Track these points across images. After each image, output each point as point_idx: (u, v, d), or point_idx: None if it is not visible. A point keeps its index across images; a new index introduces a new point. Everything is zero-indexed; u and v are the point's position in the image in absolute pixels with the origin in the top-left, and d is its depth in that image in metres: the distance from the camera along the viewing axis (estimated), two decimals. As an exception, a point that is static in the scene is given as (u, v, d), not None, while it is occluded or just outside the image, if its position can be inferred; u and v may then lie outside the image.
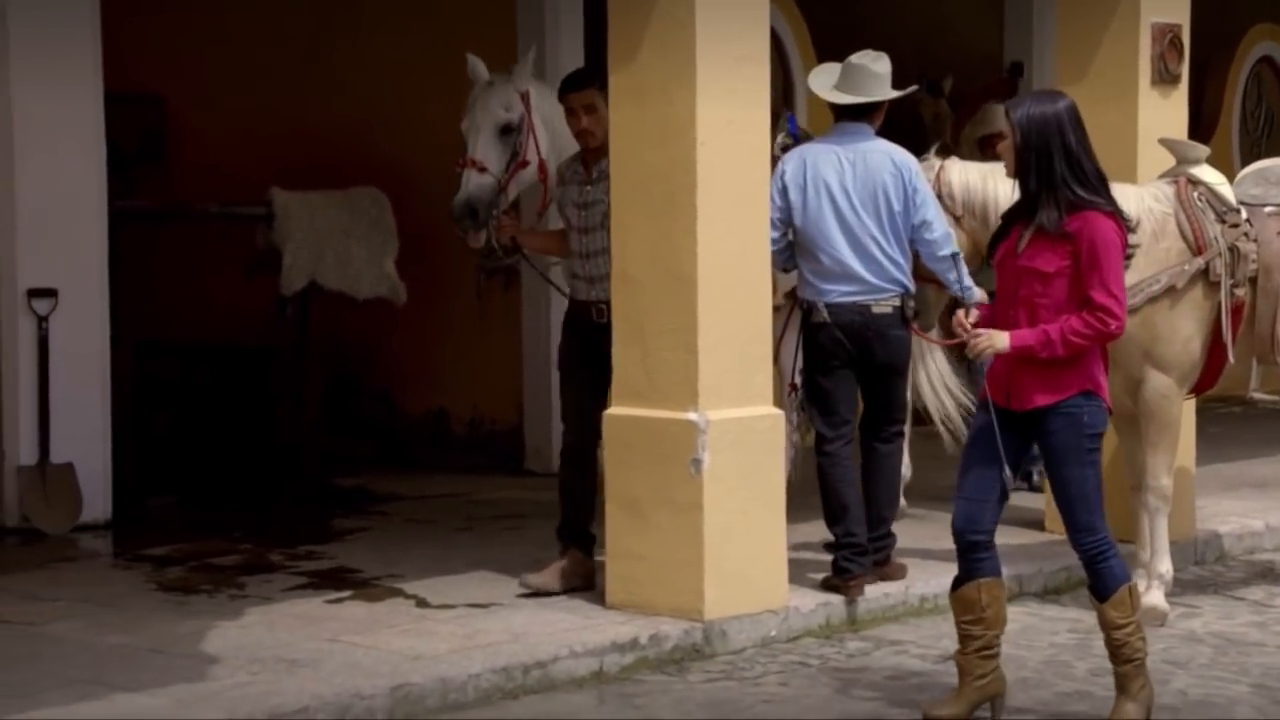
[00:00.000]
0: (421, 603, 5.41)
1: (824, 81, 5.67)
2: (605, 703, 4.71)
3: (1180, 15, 6.61)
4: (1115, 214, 4.44)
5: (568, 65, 8.28)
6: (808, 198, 5.61)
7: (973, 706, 4.54)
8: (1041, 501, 6.86)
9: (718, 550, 5.22)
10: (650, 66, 5.24)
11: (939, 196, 5.82)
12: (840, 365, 5.64)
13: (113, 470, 6.81)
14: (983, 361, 4.78)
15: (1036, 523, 6.74)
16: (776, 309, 5.64)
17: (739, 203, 5.28)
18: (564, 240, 5.82)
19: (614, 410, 5.41)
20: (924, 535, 6.31)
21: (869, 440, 5.79)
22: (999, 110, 6.90)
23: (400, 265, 7.91)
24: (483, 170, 5.70)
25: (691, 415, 5.20)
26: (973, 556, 4.52)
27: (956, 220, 5.88)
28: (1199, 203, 5.65)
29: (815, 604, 5.47)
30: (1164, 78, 6.52)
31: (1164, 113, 6.51)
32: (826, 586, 5.59)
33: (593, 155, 5.61)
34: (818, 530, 5.86)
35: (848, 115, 5.68)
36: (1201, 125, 10.63)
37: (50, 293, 6.65)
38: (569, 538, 5.58)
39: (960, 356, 6.29)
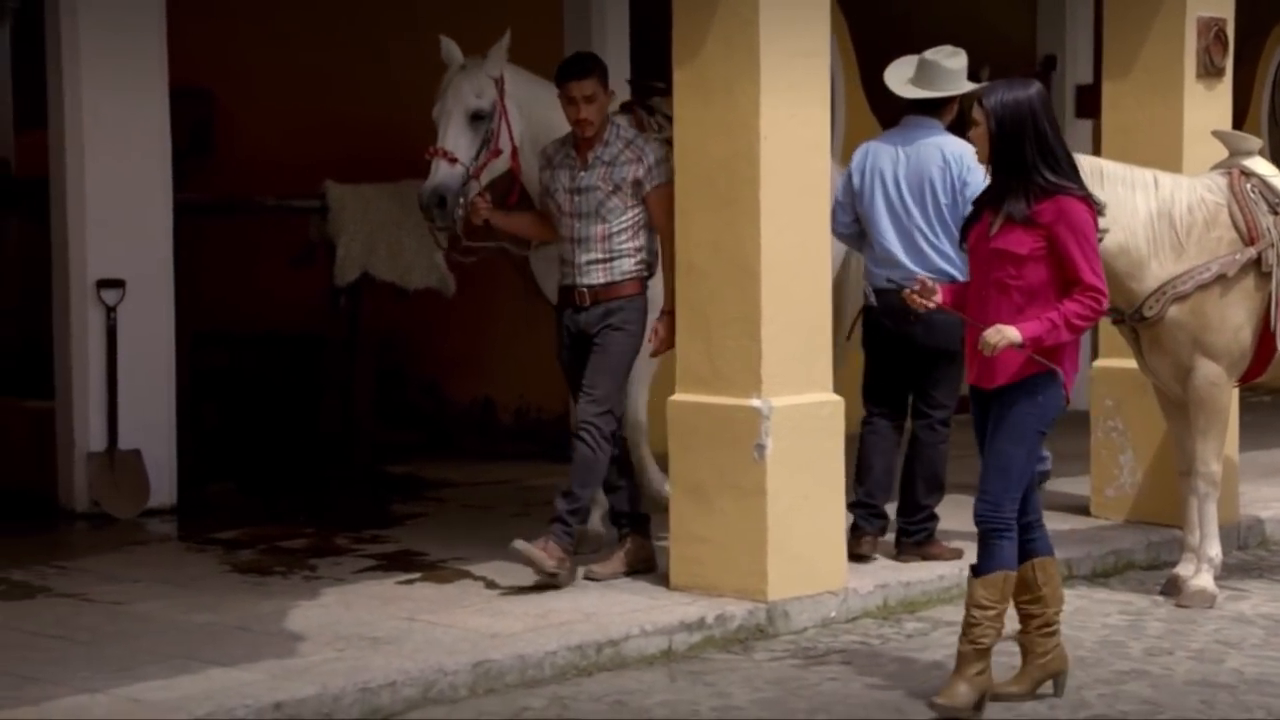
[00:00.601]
0: (490, 584, 5.57)
1: (898, 76, 5.85)
2: (676, 680, 4.86)
3: (1224, 9, 6.73)
4: (1086, 197, 4.51)
5: (615, 63, 8.45)
6: (864, 186, 5.90)
7: (1036, 684, 4.67)
8: (1086, 487, 7.01)
9: (780, 533, 5.37)
10: (714, 62, 5.38)
11: None
12: (885, 348, 5.89)
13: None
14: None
15: (1083, 508, 6.89)
16: None
17: (800, 194, 5.42)
18: (539, 224, 5.83)
19: (678, 397, 5.56)
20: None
21: (915, 425, 5.98)
22: None
23: (448, 256, 8.06)
24: (453, 160, 5.61)
25: (755, 402, 5.34)
26: (1022, 539, 4.59)
27: None
28: (1252, 194, 5.77)
29: (873, 585, 5.62)
30: (1209, 71, 6.64)
31: (1209, 106, 6.64)
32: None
33: (587, 142, 5.60)
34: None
35: (915, 109, 5.91)
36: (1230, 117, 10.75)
37: (118, 283, 6.83)
38: (625, 523, 5.70)
39: None
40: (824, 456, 5.48)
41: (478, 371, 8.86)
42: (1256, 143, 6.02)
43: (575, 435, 5.60)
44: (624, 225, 5.58)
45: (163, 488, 6.90)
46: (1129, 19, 6.75)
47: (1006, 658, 4.84)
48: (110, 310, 6.82)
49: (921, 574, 5.80)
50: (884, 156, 5.85)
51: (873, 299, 5.87)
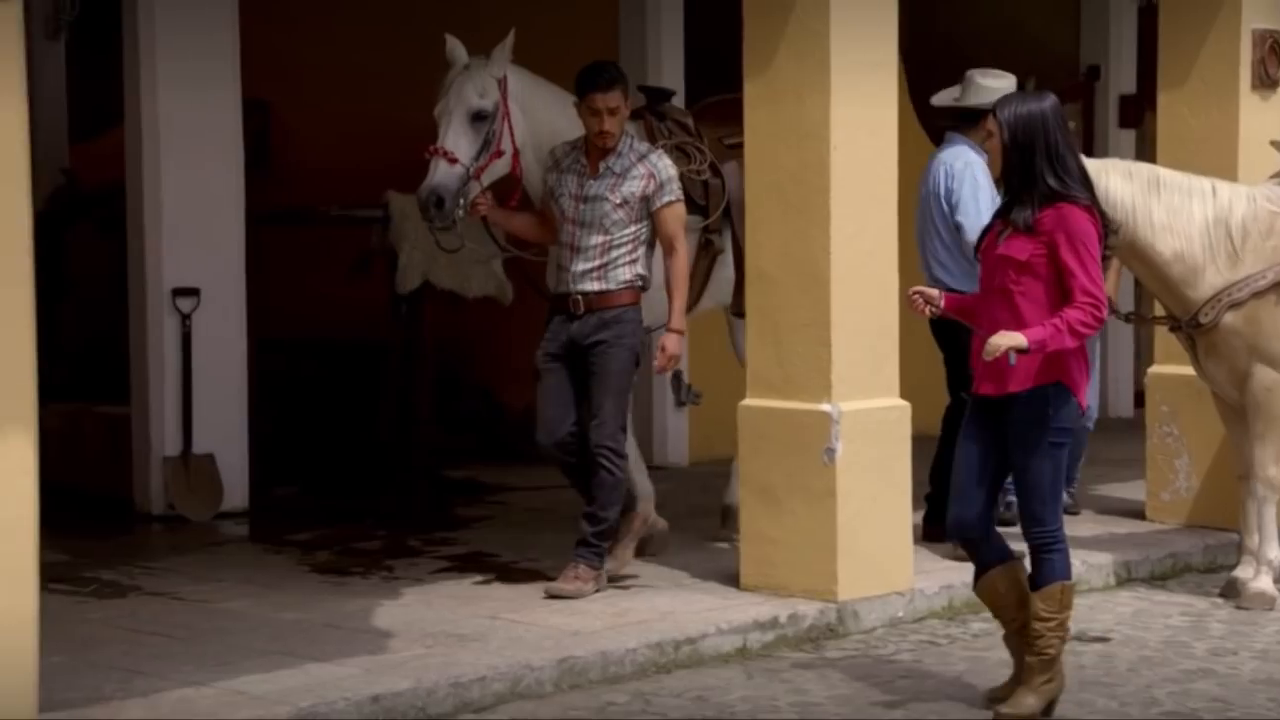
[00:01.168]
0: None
1: (946, 93, 6.08)
2: (753, 677, 4.99)
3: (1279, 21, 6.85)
4: (1092, 207, 4.55)
5: (669, 69, 8.63)
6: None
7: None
8: (1142, 492, 7.12)
9: (849, 535, 5.49)
10: (785, 73, 5.51)
11: None
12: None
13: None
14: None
15: (1138, 512, 6.99)
16: None
17: (869, 203, 5.55)
18: (539, 225, 5.77)
19: (748, 402, 5.69)
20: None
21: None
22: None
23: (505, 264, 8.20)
24: (452, 160, 5.51)
25: (825, 406, 5.47)
26: (981, 550, 4.63)
27: None
28: (1308, 204, 5.88)
29: (939, 586, 5.74)
30: (1264, 82, 6.75)
31: (1264, 116, 6.75)
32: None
33: (600, 151, 5.56)
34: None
35: (948, 125, 6.16)
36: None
37: (193, 292, 7.00)
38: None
39: None
40: (892, 460, 5.60)
41: (531, 379, 8.99)
42: (1314, 152, 6.14)
43: (592, 460, 5.55)
44: (625, 239, 5.54)
45: (235, 491, 7.07)
46: (1183, 31, 6.87)
47: (1073, 657, 4.95)
48: (185, 318, 6.99)
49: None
50: (925, 172, 6.20)
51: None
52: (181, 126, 6.92)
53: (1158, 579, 6.30)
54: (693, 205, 5.90)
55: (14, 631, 3.82)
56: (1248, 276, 5.82)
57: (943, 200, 6.09)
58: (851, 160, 5.48)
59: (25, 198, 3.85)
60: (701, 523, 6.60)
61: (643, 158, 5.58)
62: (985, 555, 4.65)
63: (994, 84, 6.11)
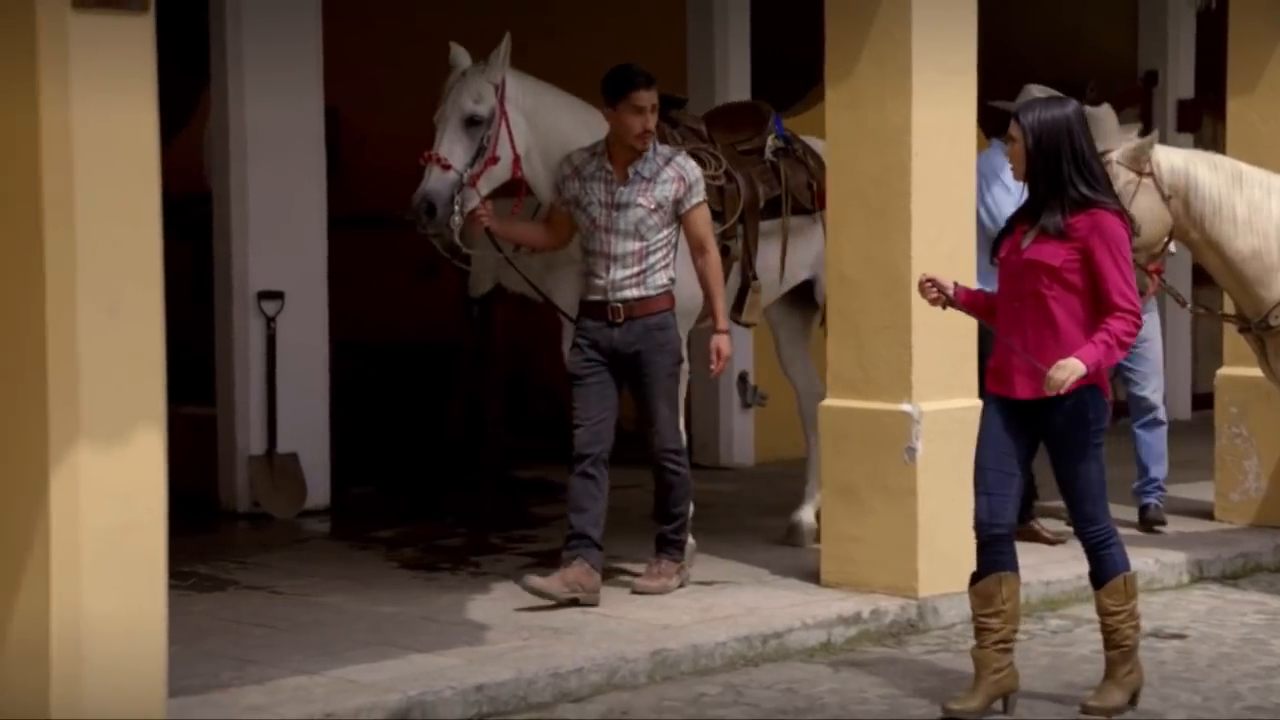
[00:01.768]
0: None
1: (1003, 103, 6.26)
2: (839, 671, 5.11)
3: (1349, 26, 6.92)
4: (1121, 212, 4.57)
5: (736, 76, 8.75)
6: None
7: (990, 700, 4.62)
8: (1208, 492, 7.20)
9: (929, 533, 5.61)
10: (867, 79, 5.64)
11: (1153, 177, 6.00)
12: None
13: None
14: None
15: (1206, 513, 7.07)
16: None
17: (949, 207, 5.67)
18: (542, 233, 5.73)
19: (830, 402, 5.81)
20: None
21: None
22: (1094, 120, 7.30)
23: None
24: (446, 166, 5.47)
25: (906, 407, 5.59)
26: (994, 550, 4.65)
27: (1165, 199, 6.06)
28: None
29: (1016, 584, 5.85)
30: (1334, 86, 6.83)
31: (1334, 120, 6.83)
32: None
33: (626, 156, 5.52)
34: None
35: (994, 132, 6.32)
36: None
37: (278, 295, 7.18)
38: (580, 547, 5.47)
39: None
40: (970, 459, 5.69)
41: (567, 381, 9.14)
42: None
43: (659, 466, 5.67)
44: (660, 243, 5.55)
45: (317, 490, 7.25)
46: (1252, 37, 6.95)
47: (1151, 653, 5.04)
48: (270, 320, 7.17)
49: (1061, 573, 6.02)
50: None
51: None
52: (266, 133, 7.10)
53: (1229, 578, 6.38)
54: (710, 212, 5.85)
55: (146, 632, 3.98)
56: None
57: (980, 206, 6.13)
58: (932, 165, 5.59)
59: (156, 201, 4.02)
60: (772, 522, 6.73)
61: (669, 160, 5.60)
62: (999, 557, 4.63)
63: (1041, 94, 6.19)
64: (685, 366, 5.86)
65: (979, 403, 5.84)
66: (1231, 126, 7.05)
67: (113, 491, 3.91)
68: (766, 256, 6.18)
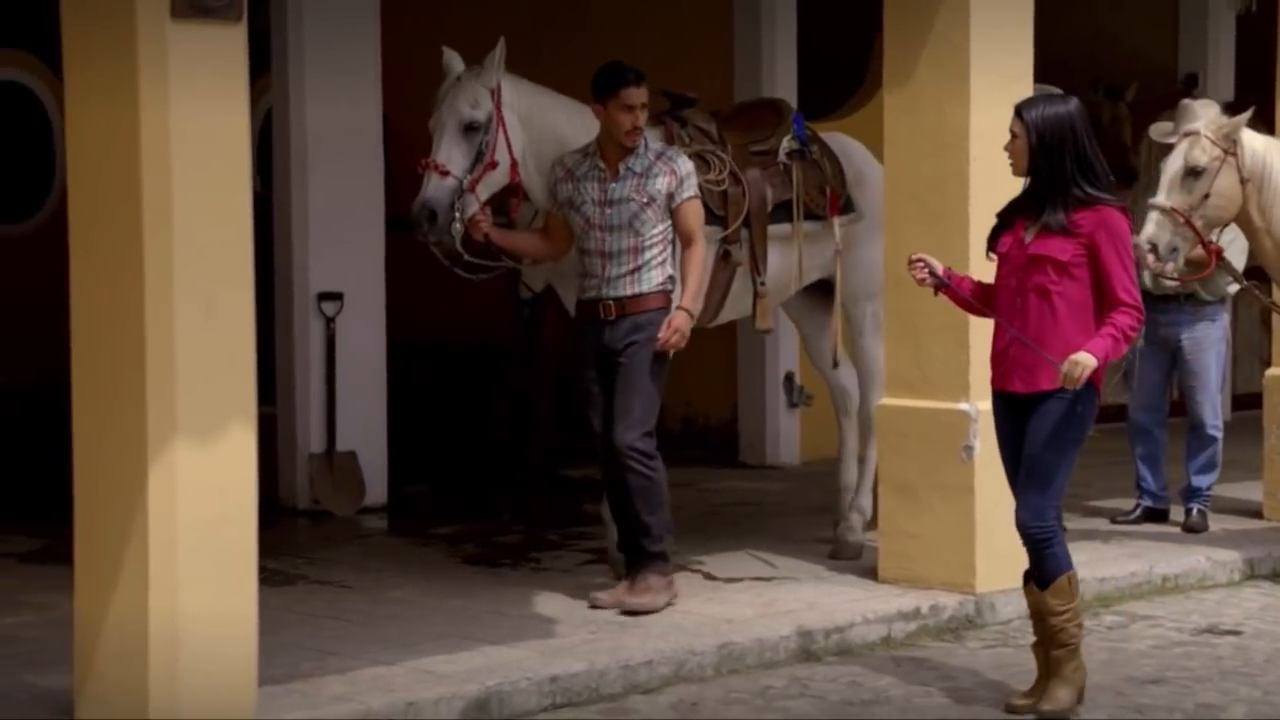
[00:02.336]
0: (709, 576, 5.94)
1: None
2: (901, 665, 5.20)
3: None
4: (1124, 209, 4.58)
5: (783, 79, 8.84)
6: None
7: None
8: (1255, 492, 7.27)
9: (986, 529, 5.69)
10: (925, 85, 5.73)
11: (1235, 157, 6.06)
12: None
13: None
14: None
15: (1255, 512, 7.14)
16: None
17: (1006, 210, 5.75)
18: (540, 242, 5.67)
19: (887, 401, 5.91)
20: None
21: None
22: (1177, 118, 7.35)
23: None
24: (444, 173, 5.41)
25: (963, 406, 5.67)
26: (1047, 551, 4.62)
27: (1243, 182, 6.10)
28: None
29: (1071, 581, 5.93)
30: (1383, 90, 6.89)
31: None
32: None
33: (618, 153, 5.46)
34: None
35: None
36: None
37: (337, 296, 7.30)
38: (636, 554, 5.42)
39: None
40: (1026, 457, 5.80)
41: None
42: None
43: (621, 465, 5.42)
44: (655, 239, 5.47)
45: (375, 487, 7.37)
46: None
47: (1210, 649, 5.11)
48: (329, 321, 7.30)
49: (1114, 570, 6.11)
50: None
51: None
52: (328, 134, 7.22)
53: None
54: (711, 216, 5.82)
55: (238, 621, 4.11)
56: None
57: None
58: (989, 169, 5.65)
59: (248, 204, 4.14)
60: (822, 519, 6.81)
61: (660, 155, 5.54)
62: (1054, 563, 4.59)
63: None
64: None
65: (1038, 403, 6.01)
66: (1281, 128, 7.12)
67: (207, 486, 4.03)
68: (776, 261, 6.06)
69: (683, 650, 4.97)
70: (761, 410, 8.80)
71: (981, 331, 5.76)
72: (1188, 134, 6.14)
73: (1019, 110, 4.61)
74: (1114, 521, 6.98)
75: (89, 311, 4.11)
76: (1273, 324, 7.56)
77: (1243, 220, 6.15)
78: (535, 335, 8.59)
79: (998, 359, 4.63)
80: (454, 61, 5.71)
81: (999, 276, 4.67)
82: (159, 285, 3.97)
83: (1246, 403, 9.43)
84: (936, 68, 5.70)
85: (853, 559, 6.12)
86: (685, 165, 5.57)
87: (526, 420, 8.62)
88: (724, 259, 5.93)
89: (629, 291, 5.46)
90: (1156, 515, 6.99)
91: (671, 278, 5.53)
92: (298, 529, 7.09)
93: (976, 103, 5.63)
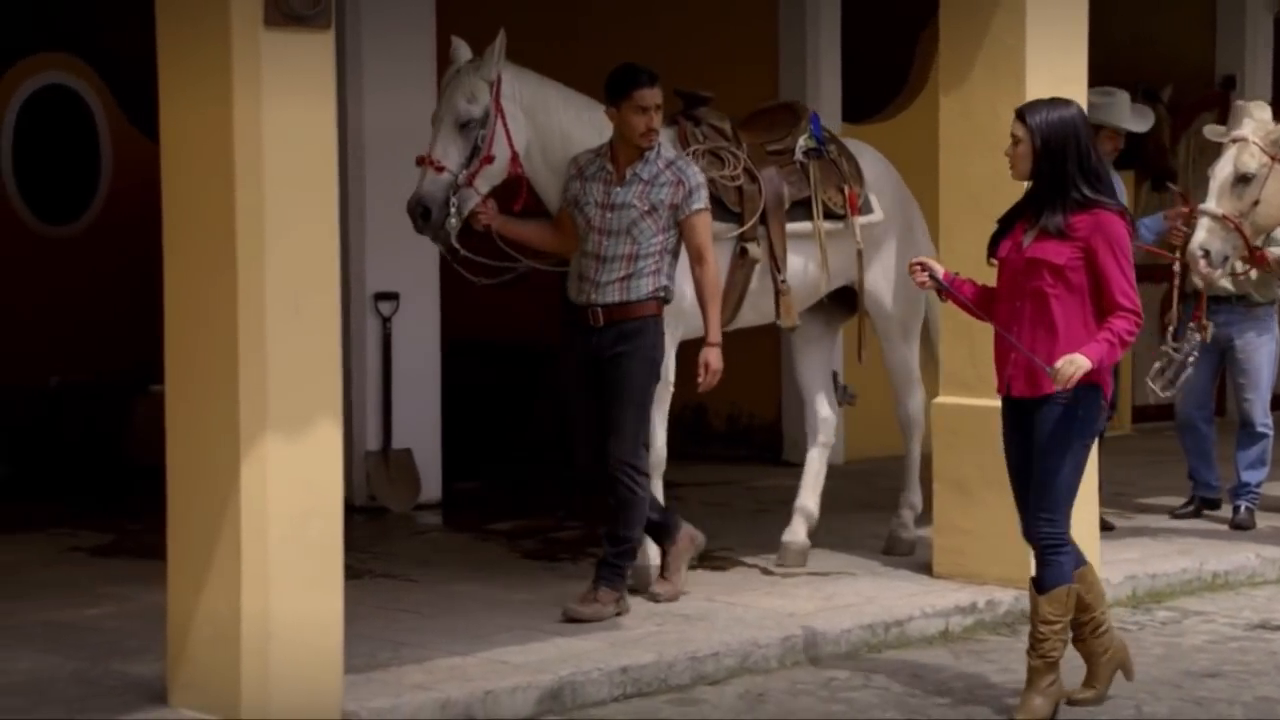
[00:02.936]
0: (766, 571, 6.05)
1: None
2: (960, 658, 5.30)
3: None
4: (1122, 212, 4.57)
5: (827, 90, 8.92)
6: None
7: (1109, 679, 4.72)
8: (1303, 490, 7.36)
9: (1041, 525, 5.78)
10: (979, 88, 5.82)
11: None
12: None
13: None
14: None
15: (1303, 509, 7.24)
16: None
17: (1060, 211, 5.84)
18: (548, 233, 5.58)
19: (942, 399, 6.00)
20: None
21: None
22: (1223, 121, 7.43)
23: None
24: (440, 169, 5.33)
25: (1018, 403, 5.77)
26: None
27: None
28: None
29: (1123, 577, 6.03)
30: None
31: None
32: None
33: (629, 156, 5.37)
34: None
35: None
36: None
37: (393, 296, 7.42)
38: (660, 537, 5.46)
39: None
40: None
41: (690, 379, 9.33)
42: None
43: (611, 477, 5.34)
44: (652, 248, 5.37)
45: (430, 484, 7.49)
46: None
47: (1264, 644, 5.19)
48: (385, 320, 7.41)
49: (1166, 566, 6.20)
50: None
51: None
52: (385, 134, 7.32)
53: (1328, 573, 6.53)
54: (727, 212, 5.76)
55: (325, 609, 4.25)
56: None
57: None
58: (1044, 170, 5.77)
59: (334, 205, 4.26)
60: (871, 516, 6.92)
61: (670, 164, 5.43)
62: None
63: (1097, 99, 6.33)
64: (669, 381, 5.68)
65: (1088, 401, 6.09)
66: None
67: (297, 480, 4.16)
68: (796, 259, 5.99)
69: (747, 642, 5.08)
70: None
71: (1036, 331, 5.88)
72: (1236, 140, 6.22)
73: (1021, 115, 4.60)
74: (1173, 516, 7.07)
75: (182, 310, 4.24)
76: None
77: None
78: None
79: (1000, 364, 4.62)
80: (461, 51, 5.63)
81: (999, 281, 4.67)
82: (251, 285, 4.09)
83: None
84: (991, 70, 5.79)
85: (906, 554, 6.21)
86: (695, 176, 5.45)
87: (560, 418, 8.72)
88: (740, 256, 5.86)
89: (617, 299, 5.36)
90: (1210, 505, 7.09)
91: (666, 288, 5.42)
92: (355, 525, 7.12)
93: (1032, 105, 5.73)
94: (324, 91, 4.16)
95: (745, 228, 5.85)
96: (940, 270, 4.74)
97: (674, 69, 9.06)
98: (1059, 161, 4.50)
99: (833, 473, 8.44)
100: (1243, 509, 6.98)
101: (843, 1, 8.77)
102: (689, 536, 5.63)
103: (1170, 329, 6.66)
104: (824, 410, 6.49)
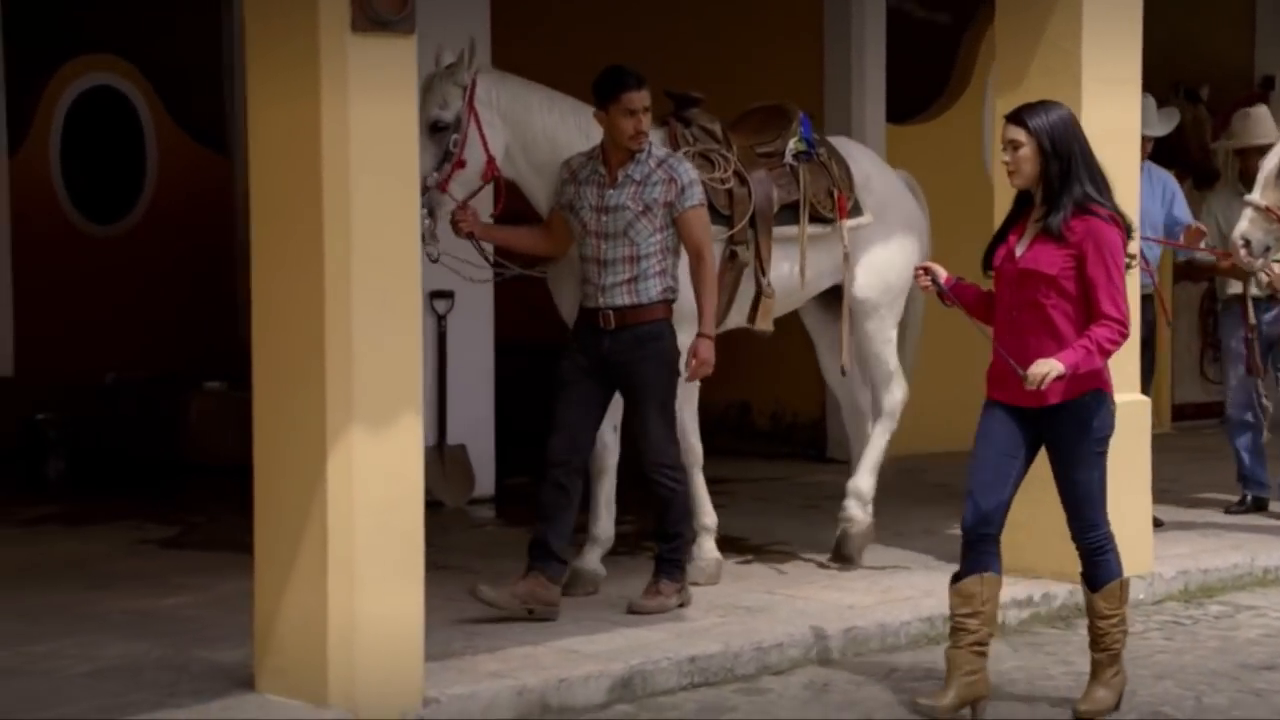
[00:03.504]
0: (822, 565, 6.14)
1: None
2: (1018, 651, 5.38)
3: None
4: (1118, 218, 4.53)
5: (872, 92, 8.99)
6: None
7: (961, 702, 4.61)
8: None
9: (1095, 521, 5.86)
10: (1036, 90, 5.86)
11: None
12: None
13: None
14: None
15: (1347, 510, 7.30)
16: None
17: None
18: (530, 237, 5.59)
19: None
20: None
21: None
22: (1256, 119, 7.50)
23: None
24: None
25: (1074, 400, 5.85)
26: (980, 550, 4.63)
27: None
28: None
29: (1175, 572, 6.12)
30: None
31: None
32: None
33: (620, 158, 5.36)
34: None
35: None
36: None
37: (448, 294, 7.52)
38: (540, 558, 5.32)
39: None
40: (1133, 451, 5.98)
41: (734, 377, 9.42)
42: None
43: (649, 479, 5.39)
44: (652, 248, 5.35)
45: (483, 479, 7.61)
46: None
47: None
48: (441, 318, 7.53)
49: (1217, 561, 6.27)
50: None
51: None
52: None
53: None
54: (716, 215, 5.74)
55: (408, 595, 4.36)
56: None
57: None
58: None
59: (416, 204, 4.37)
60: (919, 510, 7.01)
61: (662, 163, 5.41)
62: (983, 558, 4.61)
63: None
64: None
65: (1141, 398, 6.18)
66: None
67: (380, 471, 4.27)
68: (781, 264, 5.97)
69: (811, 634, 5.18)
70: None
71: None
72: None
73: (1020, 119, 4.53)
74: (1227, 512, 7.14)
75: (269, 305, 4.35)
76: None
77: None
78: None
79: (1001, 373, 4.54)
80: (444, 57, 5.59)
81: (996, 291, 4.66)
82: (338, 281, 4.20)
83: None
84: (1047, 73, 5.87)
85: (862, 549, 6.05)
86: (688, 173, 5.43)
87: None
88: (730, 259, 5.84)
89: (627, 301, 5.35)
90: (1261, 504, 7.16)
91: (672, 288, 5.42)
92: (412, 519, 7.31)
93: (1087, 105, 5.80)
94: (407, 94, 4.28)
95: (735, 230, 5.83)
96: (943, 275, 4.73)
97: (717, 68, 9.25)
98: (1066, 163, 4.46)
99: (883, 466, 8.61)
100: None
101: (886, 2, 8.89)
102: (549, 591, 5.26)
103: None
104: (864, 401, 6.49)
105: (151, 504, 7.41)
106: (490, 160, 5.45)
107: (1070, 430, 4.53)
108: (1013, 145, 4.52)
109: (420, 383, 4.42)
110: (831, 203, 6.06)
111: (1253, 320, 7.00)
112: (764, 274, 5.88)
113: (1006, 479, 4.60)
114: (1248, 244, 6.18)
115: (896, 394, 6.36)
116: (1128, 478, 5.95)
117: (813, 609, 5.45)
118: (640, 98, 5.33)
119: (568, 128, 5.60)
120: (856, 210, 6.14)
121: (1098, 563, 4.68)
